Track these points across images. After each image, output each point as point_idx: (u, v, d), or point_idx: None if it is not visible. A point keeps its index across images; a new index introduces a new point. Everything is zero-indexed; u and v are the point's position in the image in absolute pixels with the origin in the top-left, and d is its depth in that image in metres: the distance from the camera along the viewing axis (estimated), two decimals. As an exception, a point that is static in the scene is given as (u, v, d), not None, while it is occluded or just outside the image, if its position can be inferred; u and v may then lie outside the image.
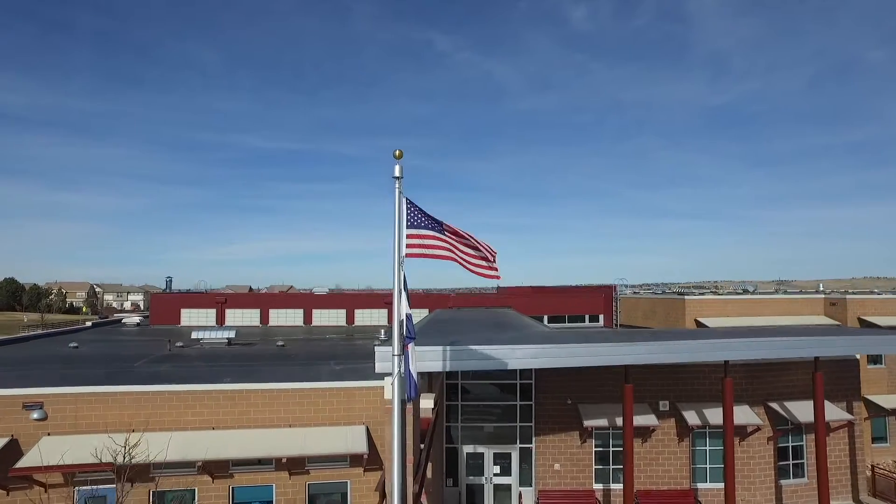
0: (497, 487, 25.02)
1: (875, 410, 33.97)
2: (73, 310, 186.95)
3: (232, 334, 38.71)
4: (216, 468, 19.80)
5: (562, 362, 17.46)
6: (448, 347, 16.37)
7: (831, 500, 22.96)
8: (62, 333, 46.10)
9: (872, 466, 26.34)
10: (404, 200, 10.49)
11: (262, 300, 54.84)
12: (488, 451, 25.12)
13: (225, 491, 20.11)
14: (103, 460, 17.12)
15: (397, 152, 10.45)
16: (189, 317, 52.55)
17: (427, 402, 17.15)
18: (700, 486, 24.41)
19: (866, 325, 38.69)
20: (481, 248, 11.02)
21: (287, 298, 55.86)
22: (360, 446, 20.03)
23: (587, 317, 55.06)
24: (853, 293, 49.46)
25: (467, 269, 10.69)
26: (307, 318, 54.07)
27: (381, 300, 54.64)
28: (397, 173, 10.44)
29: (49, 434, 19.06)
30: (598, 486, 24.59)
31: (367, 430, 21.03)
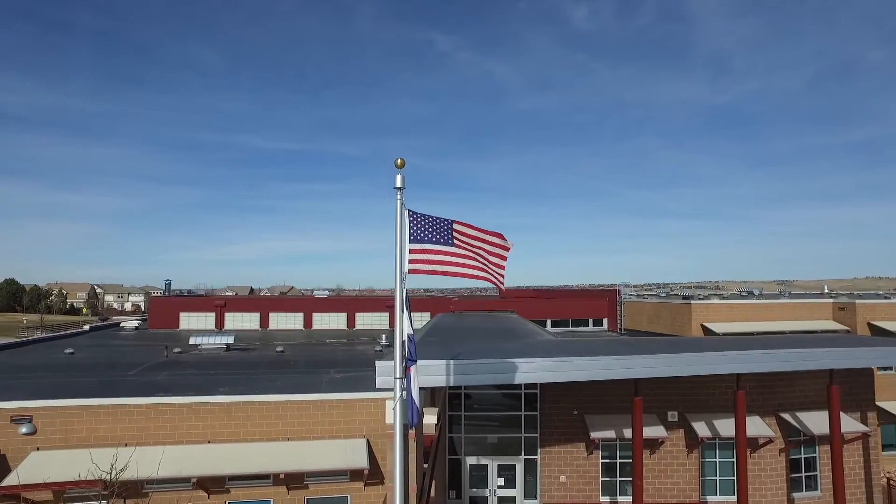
0: (501, 500, 24.34)
1: (886, 418, 33.32)
2: (73, 311, 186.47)
3: (230, 339, 38.09)
4: (212, 484, 19.17)
5: (570, 376, 16.81)
6: (452, 362, 15.71)
7: (846, 514, 22.28)
8: (59, 338, 45.49)
9: (888, 479, 25.67)
10: (406, 213, 9.82)
11: (262, 304, 54.18)
12: (492, 463, 24.45)
13: (221, 507, 19.49)
14: (93, 477, 16.47)
15: (398, 161, 9.79)
16: (188, 320, 51.94)
17: (430, 418, 16.51)
18: (710, 499, 23.73)
19: (877, 331, 38.06)
20: (495, 245, 10.36)
21: (287, 302, 55.22)
22: (361, 461, 19.41)
23: (591, 321, 54.39)
24: (862, 297, 48.76)
25: (479, 278, 10.03)
26: (307, 321, 53.44)
27: (383, 304, 54.02)
28: (398, 184, 9.78)
29: (38, 449, 18.43)
30: (604, 499, 23.91)
31: (368, 443, 20.41)
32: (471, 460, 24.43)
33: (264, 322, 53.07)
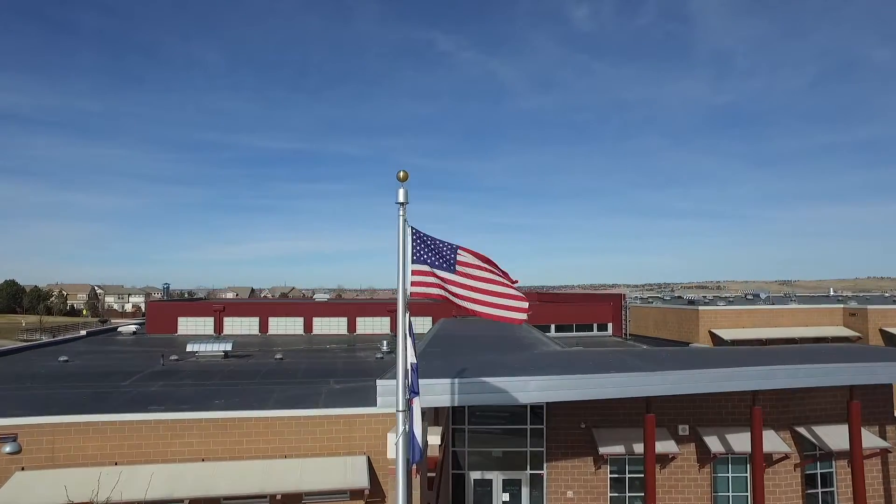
0: (506, 516, 23.55)
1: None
2: (73, 312, 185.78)
3: (228, 346, 37.29)
4: (205, 504, 18.35)
5: (580, 394, 16.02)
6: (457, 381, 14.92)
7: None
8: (54, 344, 44.74)
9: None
10: (409, 230, 9.02)
11: (262, 308, 53.38)
12: (497, 478, 23.64)
13: (215, 528, 18.66)
14: (80, 500, 15.67)
15: (401, 174, 9.00)
16: (186, 325, 51.17)
17: (434, 438, 15.71)
18: (723, 516, 22.93)
19: (889, 337, 37.21)
20: (503, 278, 9.47)
21: (287, 307, 54.39)
22: (361, 480, 18.58)
23: (595, 325, 53.55)
24: (872, 302, 47.86)
25: (485, 315, 9.15)
26: (307, 326, 52.66)
27: (384, 308, 53.21)
28: (401, 198, 8.99)
29: (23, 469, 17.63)
30: (613, 516, 23.11)
31: (369, 460, 19.58)
32: (475, 475, 23.64)
33: (264, 327, 52.29)
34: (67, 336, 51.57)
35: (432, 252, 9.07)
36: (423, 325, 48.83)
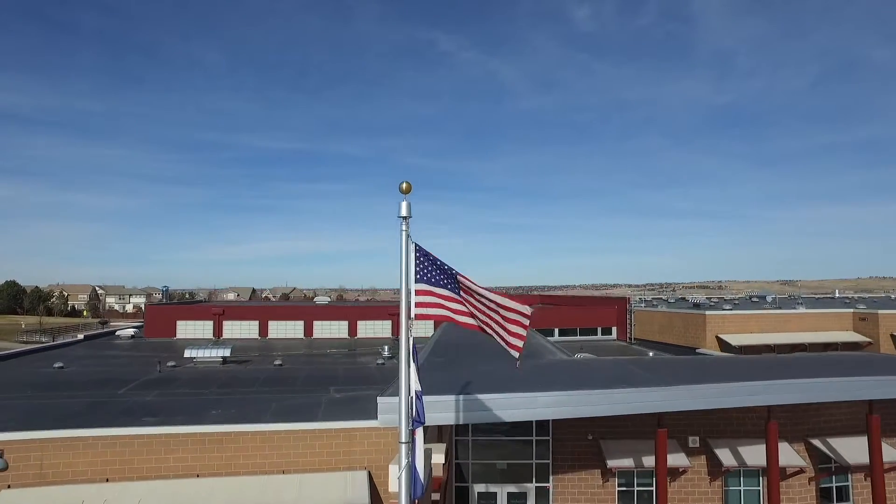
0: (511, 531, 22.88)
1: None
2: (74, 312, 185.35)
3: (227, 352, 36.62)
4: (200, 522, 17.66)
5: (590, 411, 15.34)
6: (461, 397, 14.25)
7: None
8: (52, 348, 44.14)
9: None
10: (413, 247, 8.33)
11: (261, 312, 52.74)
12: (501, 491, 22.98)
13: (210, 546, 17.99)
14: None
15: (404, 185, 8.31)
16: (185, 329, 50.52)
17: (438, 456, 15.02)
18: (735, 531, 22.22)
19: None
20: (506, 308, 8.76)
21: (287, 310, 53.74)
22: (362, 496, 17.87)
23: (599, 329, 52.82)
24: (882, 306, 47.07)
25: (495, 339, 8.46)
26: (308, 330, 51.99)
27: (385, 312, 52.53)
28: (404, 212, 8.30)
29: (9, 487, 16.95)
30: (622, 531, 22.42)
31: (370, 475, 18.88)
32: (479, 488, 22.97)
33: (263, 330, 51.63)
34: (64, 340, 50.94)
35: (437, 271, 8.38)
36: (425, 328, 48.15)
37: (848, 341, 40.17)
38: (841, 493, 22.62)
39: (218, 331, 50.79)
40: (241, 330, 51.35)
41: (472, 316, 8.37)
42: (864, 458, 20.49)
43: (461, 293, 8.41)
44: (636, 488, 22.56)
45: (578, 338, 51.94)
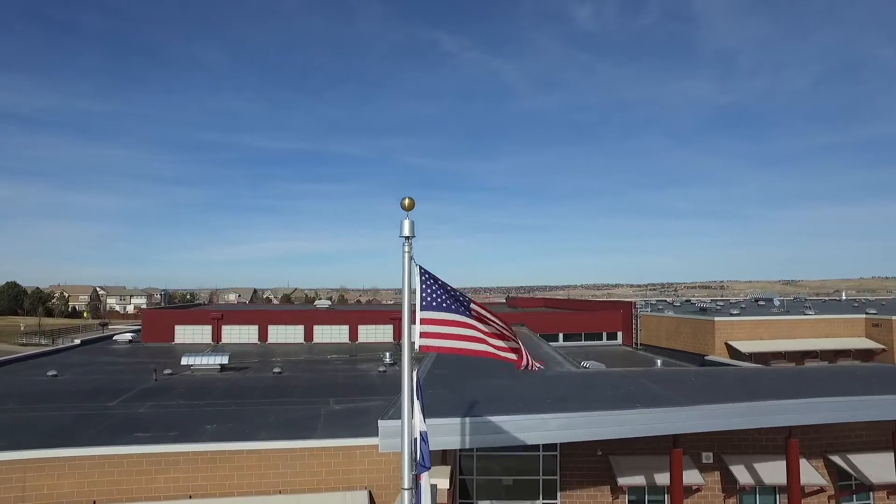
0: (517, 550, 21.99)
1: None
2: (75, 313, 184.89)
3: (225, 360, 35.76)
4: (192, 546, 16.87)
5: (605, 433, 14.47)
6: (467, 419, 13.38)
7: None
8: (48, 354, 43.33)
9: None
10: (417, 271, 7.46)
11: (261, 316, 51.88)
12: (507, 508, 22.09)
13: (203, 571, 17.18)
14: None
15: (406, 202, 7.43)
16: (183, 334, 49.71)
17: (442, 482, 14.13)
18: (751, 552, 21.32)
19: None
20: (506, 330, 7.98)
21: (287, 315, 52.88)
22: (361, 519, 17.07)
23: (605, 334, 51.90)
24: (895, 311, 46.10)
25: (507, 360, 7.65)
26: (308, 334, 51.14)
27: (386, 316, 51.67)
28: (406, 231, 7.42)
29: (-9, 511, 16.15)
30: (633, 551, 21.52)
31: (370, 496, 18.06)
32: (484, 505, 22.10)
33: (263, 335, 50.80)
34: (60, 346, 50.15)
35: (444, 294, 7.51)
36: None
37: (860, 348, 39.26)
38: (862, 511, 21.71)
39: (217, 336, 49.96)
40: (241, 335, 50.52)
41: (484, 341, 7.51)
42: (888, 476, 19.61)
43: (472, 314, 7.55)
44: (647, 505, 21.67)
45: (583, 343, 51.04)
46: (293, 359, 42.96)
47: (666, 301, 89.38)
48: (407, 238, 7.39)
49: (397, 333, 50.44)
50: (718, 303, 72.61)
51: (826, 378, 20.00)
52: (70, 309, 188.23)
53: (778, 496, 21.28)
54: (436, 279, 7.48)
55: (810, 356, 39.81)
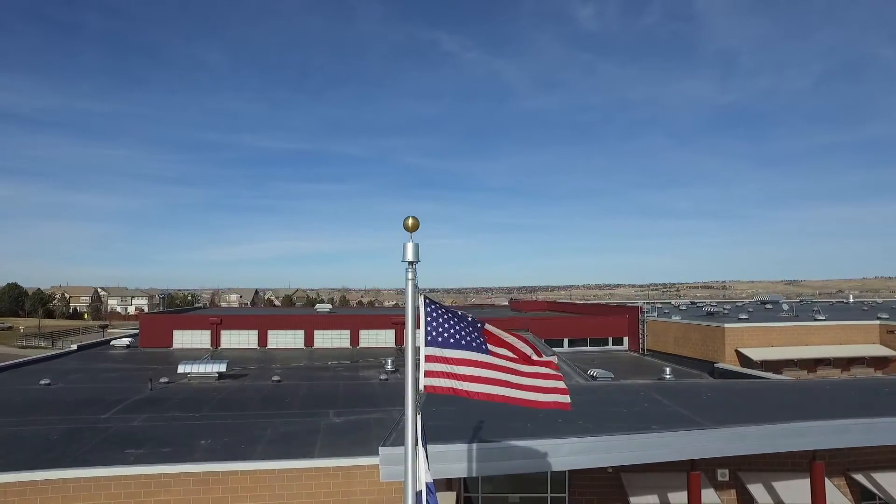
0: (525, 572, 21.08)
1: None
2: (76, 314, 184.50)
3: (222, 367, 34.90)
4: (182, 575, 15.97)
5: (622, 459, 13.58)
6: (475, 445, 12.45)
7: None
8: (42, 361, 42.53)
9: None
10: (422, 301, 6.55)
11: (261, 321, 51.02)
12: (514, 527, 21.19)
13: None
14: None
15: (410, 221, 6.51)
16: (182, 339, 48.85)
17: (446, 510, 13.24)
18: (769, 575, 20.35)
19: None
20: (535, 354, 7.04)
21: (287, 319, 52.02)
22: (361, 545, 16.16)
23: (610, 339, 50.95)
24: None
25: (531, 403, 6.71)
26: (308, 339, 50.28)
27: (389, 320, 50.78)
28: (410, 255, 6.50)
29: (-31, 539, 15.27)
30: (645, 574, 20.57)
31: (371, 519, 17.14)
32: (490, 525, 21.19)
33: (263, 340, 49.94)
34: (57, 352, 49.34)
35: (453, 327, 6.58)
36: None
37: (875, 356, 38.32)
38: (886, 533, 20.72)
39: (215, 341, 49.12)
40: (240, 340, 49.68)
41: (501, 382, 6.57)
42: (914, 498, 18.64)
43: (488, 350, 6.62)
44: (660, 525, 20.71)
45: (589, 348, 50.10)
46: (293, 365, 42.09)
47: (671, 304, 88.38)
48: (411, 263, 6.48)
49: (399, 338, 49.54)
50: (725, 306, 71.60)
51: (850, 393, 19.04)
52: (71, 310, 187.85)
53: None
54: (444, 310, 6.57)
55: (823, 364, 38.81)
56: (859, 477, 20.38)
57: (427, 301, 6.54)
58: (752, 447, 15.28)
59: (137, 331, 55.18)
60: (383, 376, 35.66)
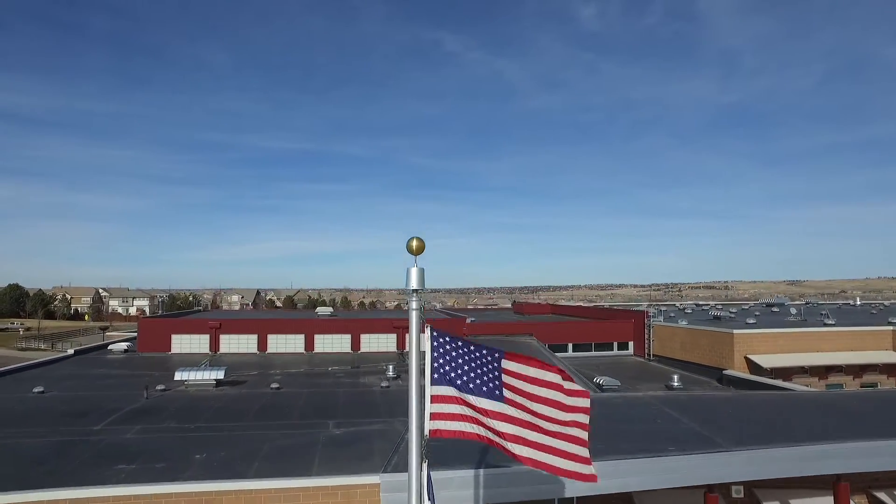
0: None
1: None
2: (77, 315, 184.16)
3: (220, 374, 34.15)
4: None
5: (633, 483, 12.76)
6: (482, 471, 11.69)
7: None
8: (38, 366, 41.81)
9: None
10: (428, 333, 5.76)
11: (260, 325, 50.33)
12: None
13: None
14: None
15: (414, 243, 5.71)
16: (180, 343, 48.17)
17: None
18: None
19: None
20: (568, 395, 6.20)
21: (287, 323, 51.32)
22: (361, 570, 15.38)
23: (615, 344, 50.12)
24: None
25: (548, 468, 5.87)
26: (308, 344, 49.57)
27: (390, 324, 50.04)
28: (414, 282, 5.71)
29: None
30: None
31: (371, 541, 16.34)
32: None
33: (262, 345, 49.23)
34: (52, 357, 48.65)
35: (463, 366, 5.77)
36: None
37: (889, 362, 37.48)
38: (908, 553, 19.88)
39: (214, 345, 48.41)
40: (239, 344, 48.99)
41: (516, 437, 5.74)
42: (940, 518, 17.81)
43: (504, 397, 5.78)
44: (672, 544, 19.89)
45: (594, 353, 49.30)
46: (293, 371, 41.38)
47: (675, 306, 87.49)
48: (415, 291, 5.69)
49: (401, 342, 48.83)
50: (730, 309, 70.68)
51: (871, 405, 18.22)
52: (73, 311, 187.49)
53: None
54: (448, 347, 5.74)
55: (835, 371, 37.98)
56: (881, 495, 19.55)
57: (434, 334, 5.75)
58: (776, 471, 14.48)
59: (136, 333, 54.49)
60: (385, 383, 34.89)
